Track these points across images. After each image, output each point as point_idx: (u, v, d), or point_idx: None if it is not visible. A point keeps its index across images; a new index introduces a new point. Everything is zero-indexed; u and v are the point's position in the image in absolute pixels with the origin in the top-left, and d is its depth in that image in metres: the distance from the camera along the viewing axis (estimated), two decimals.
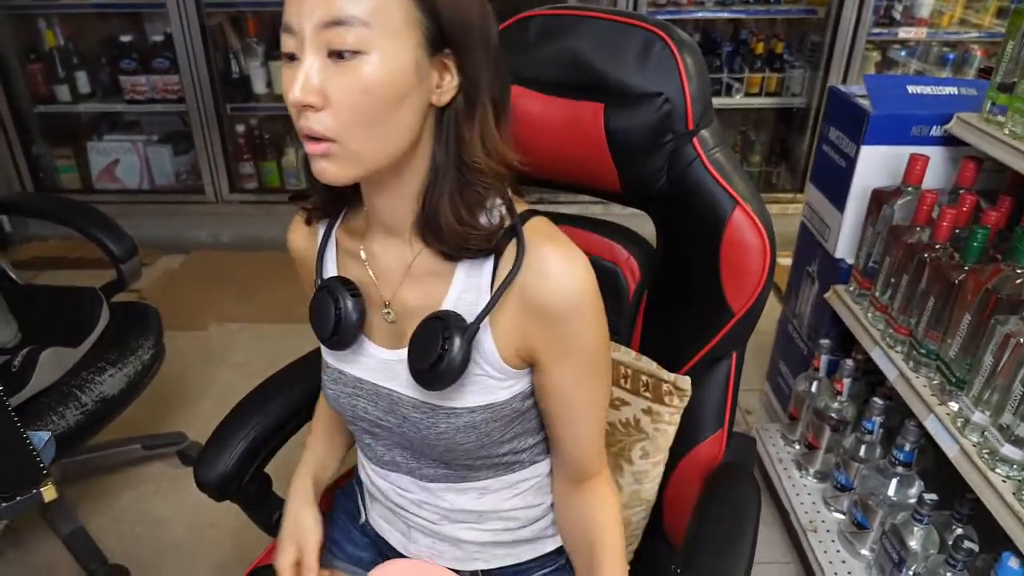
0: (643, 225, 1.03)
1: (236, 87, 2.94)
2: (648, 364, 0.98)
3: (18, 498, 0.84)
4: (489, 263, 0.75)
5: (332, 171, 0.68)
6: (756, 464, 1.81)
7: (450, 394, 0.78)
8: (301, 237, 0.88)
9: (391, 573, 0.92)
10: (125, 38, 2.92)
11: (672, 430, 0.99)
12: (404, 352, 0.77)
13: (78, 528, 1.68)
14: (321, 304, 0.80)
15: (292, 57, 0.65)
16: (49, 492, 0.85)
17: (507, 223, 0.74)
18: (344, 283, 0.80)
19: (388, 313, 0.81)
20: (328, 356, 0.87)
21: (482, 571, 0.92)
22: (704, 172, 0.91)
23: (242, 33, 2.94)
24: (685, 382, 0.96)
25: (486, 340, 0.76)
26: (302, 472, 0.99)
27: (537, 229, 0.75)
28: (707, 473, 0.99)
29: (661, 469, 1.01)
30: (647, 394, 0.98)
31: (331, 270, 0.85)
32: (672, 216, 0.97)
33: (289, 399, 1.10)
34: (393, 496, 0.91)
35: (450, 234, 0.72)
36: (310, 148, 0.67)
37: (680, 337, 0.98)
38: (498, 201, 0.75)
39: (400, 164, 0.71)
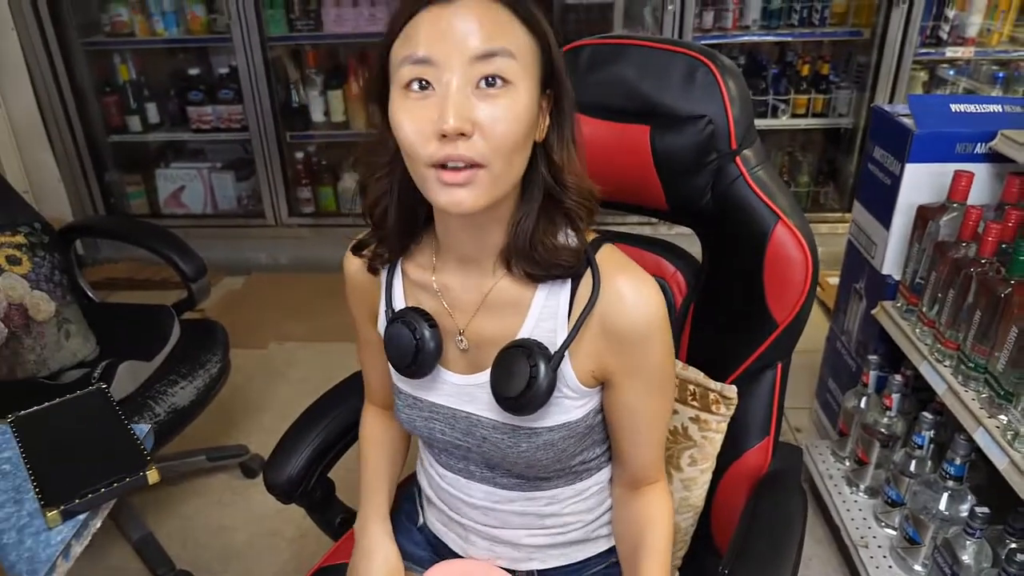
0: (689, 245, 1.08)
1: (295, 116, 3.07)
2: (695, 374, 1.02)
3: (127, 479, 0.92)
4: (566, 292, 0.80)
5: (470, 200, 0.69)
6: (806, 480, 1.81)
7: (531, 415, 0.81)
8: (359, 265, 0.90)
9: (448, 572, 0.96)
10: (193, 71, 3.09)
11: (719, 438, 1.02)
12: (481, 377, 0.83)
13: (147, 534, 1.76)
14: (398, 334, 0.83)
15: (422, 87, 0.68)
16: (153, 475, 0.93)
17: (580, 247, 0.79)
18: (419, 312, 0.84)
19: (462, 341, 0.85)
20: (400, 382, 0.90)
21: (537, 571, 0.96)
22: (747, 189, 0.95)
23: (301, 65, 3.08)
24: (731, 391, 0.99)
25: (565, 364, 0.80)
26: (375, 507, 0.99)
27: (610, 259, 0.80)
28: (754, 481, 1.02)
29: (709, 476, 1.03)
30: (694, 403, 1.01)
31: (399, 302, 0.88)
32: (717, 232, 1.01)
33: (352, 407, 1.16)
34: (455, 502, 0.95)
35: (542, 251, 0.77)
36: (452, 177, 0.68)
37: (726, 348, 1.02)
38: (570, 231, 0.80)
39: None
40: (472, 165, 0.68)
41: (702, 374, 1.02)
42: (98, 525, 0.92)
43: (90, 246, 3.19)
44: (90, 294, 1.95)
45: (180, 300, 1.84)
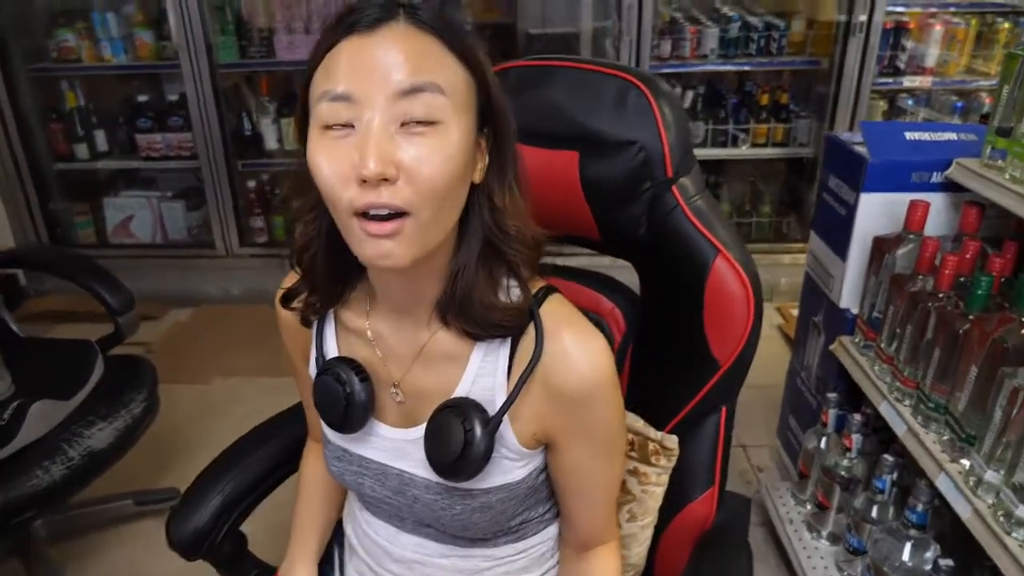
0: (631, 277, 1.01)
1: (248, 144, 2.99)
2: (634, 421, 0.94)
3: None
4: (506, 347, 0.74)
5: (399, 253, 0.62)
6: (765, 524, 1.74)
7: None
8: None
9: None
10: (142, 98, 3.01)
11: (660, 491, 0.94)
12: (414, 432, 0.77)
13: None
14: (327, 387, 0.77)
15: (344, 126, 0.61)
16: None
17: (524, 303, 0.73)
18: (350, 364, 0.77)
19: (396, 393, 0.79)
20: (329, 432, 0.83)
21: None
22: (685, 220, 0.88)
23: (255, 92, 3.01)
24: (672, 441, 0.92)
25: (505, 427, 0.74)
26: (304, 550, 0.97)
27: (554, 313, 0.74)
28: (698, 536, 0.94)
29: (650, 532, 0.96)
30: (633, 454, 0.94)
31: (331, 349, 0.82)
32: (654, 265, 0.94)
33: (268, 454, 1.09)
34: (379, 554, 0.87)
35: (481, 310, 0.70)
36: (377, 228, 0.61)
37: (666, 390, 0.94)
38: (513, 282, 0.73)
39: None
40: (397, 214, 0.61)
41: (641, 421, 0.94)
42: None
43: (34, 277, 3.07)
44: (13, 327, 1.84)
45: (106, 335, 1.73)
